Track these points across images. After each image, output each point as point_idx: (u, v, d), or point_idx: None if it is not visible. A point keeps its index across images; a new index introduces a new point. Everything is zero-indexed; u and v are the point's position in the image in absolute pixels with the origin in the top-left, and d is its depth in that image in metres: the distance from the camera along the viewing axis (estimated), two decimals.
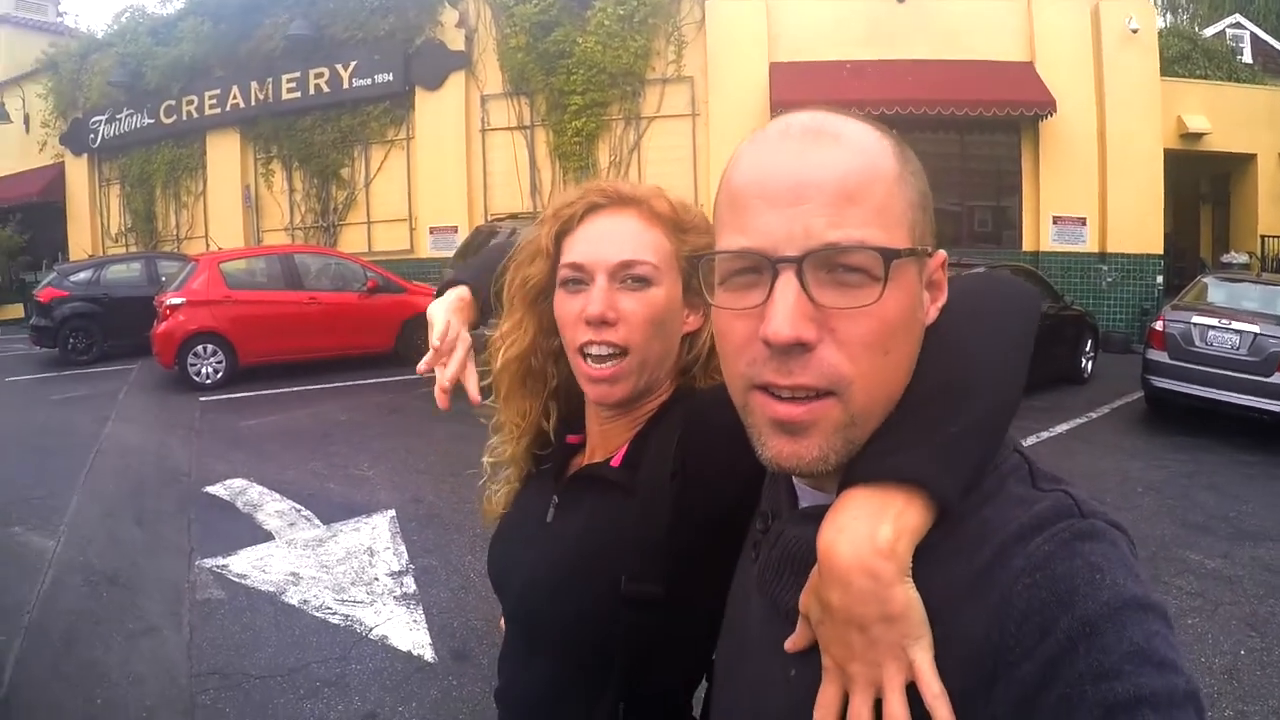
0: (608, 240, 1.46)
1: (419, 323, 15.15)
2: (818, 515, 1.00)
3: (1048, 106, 16.16)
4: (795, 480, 1.10)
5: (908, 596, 0.91)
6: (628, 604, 1.35)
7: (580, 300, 1.45)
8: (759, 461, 1.04)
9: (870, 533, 0.93)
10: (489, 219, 16.88)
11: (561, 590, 1.44)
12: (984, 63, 16.79)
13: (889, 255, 0.92)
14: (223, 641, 5.45)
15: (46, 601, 6.15)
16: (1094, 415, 11.45)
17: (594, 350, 1.45)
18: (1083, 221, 16.97)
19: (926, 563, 0.93)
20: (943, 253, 1.04)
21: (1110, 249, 16.97)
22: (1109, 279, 16.97)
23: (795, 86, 16.64)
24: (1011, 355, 1.06)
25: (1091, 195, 16.87)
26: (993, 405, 1.00)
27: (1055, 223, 17.03)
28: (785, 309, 0.93)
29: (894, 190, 0.97)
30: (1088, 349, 13.59)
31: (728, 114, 17.36)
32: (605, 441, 1.55)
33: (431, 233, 19.73)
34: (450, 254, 16.37)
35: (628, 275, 1.44)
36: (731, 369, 1.02)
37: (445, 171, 19.46)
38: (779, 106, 16.26)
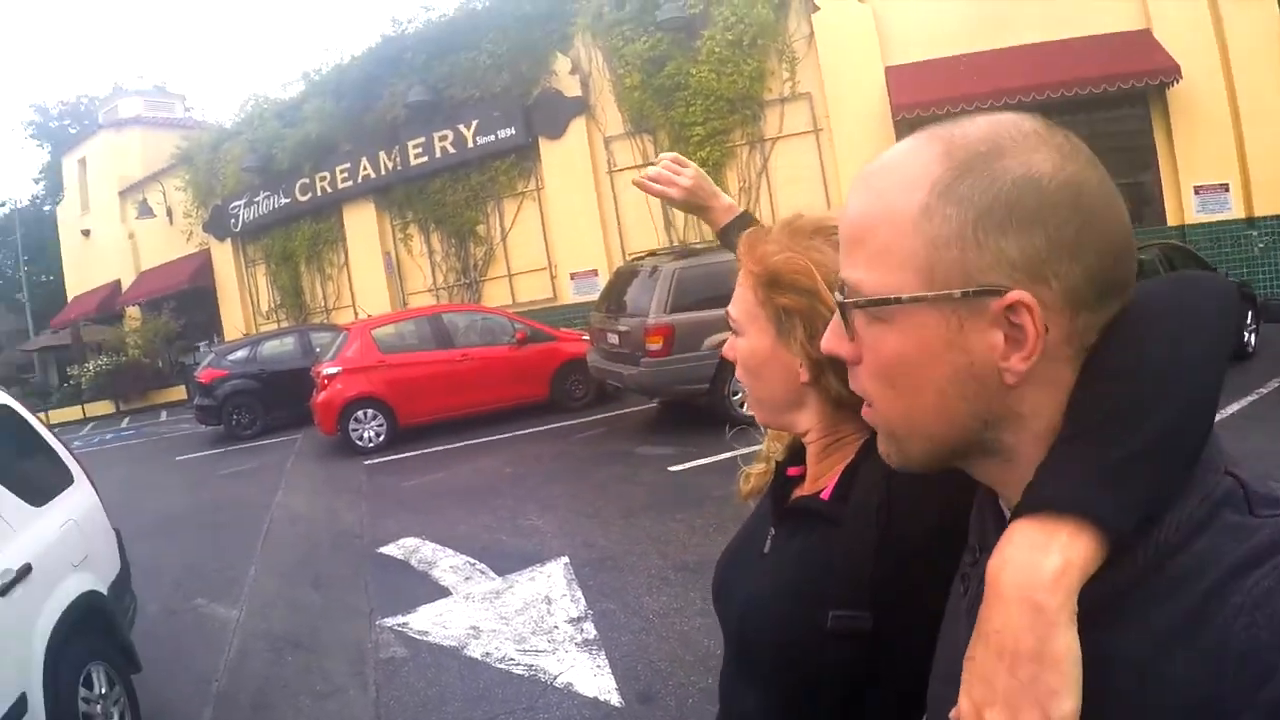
0: None
1: (571, 369, 15.65)
2: None
3: (1172, 73, 15.97)
4: (1004, 511, 1.08)
5: (1068, 644, 0.88)
6: (835, 637, 1.39)
7: None
8: (962, 494, 1.18)
9: (1034, 563, 0.91)
10: (628, 258, 17.48)
11: (772, 621, 1.49)
12: (1100, 37, 16.59)
13: (844, 306, 1.04)
14: (409, 699, 5.70)
15: (234, 669, 6.59)
16: (1264, 391, 11.11)
17: None
18: (1225, 188, 16.69)
19: (1132, 604, 0.90)
20: (1015, 294, 0.92)
21: (1257, 213, 16.69)
22: (1260, 245, 16.65)
23: (913, 88, 16.88)
24: (1198, 363, 0.97)
25: (1230, 159, 16.57)
26: (1172, 423, 0.93)
27: (1197, 193, 16.79)
28: (828, 328, 1.12)
29: (905, 230, 0.96)
30: (1248, 321, 13.15)
31: (850, 125, 17.70)
32: (816, 474, 1.60)
33: (572, 278, 20.48)
34: (594, 298, 16.91)
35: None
36: None
37: (578, 216, 20.21)
38: (900, 111, 16.69)
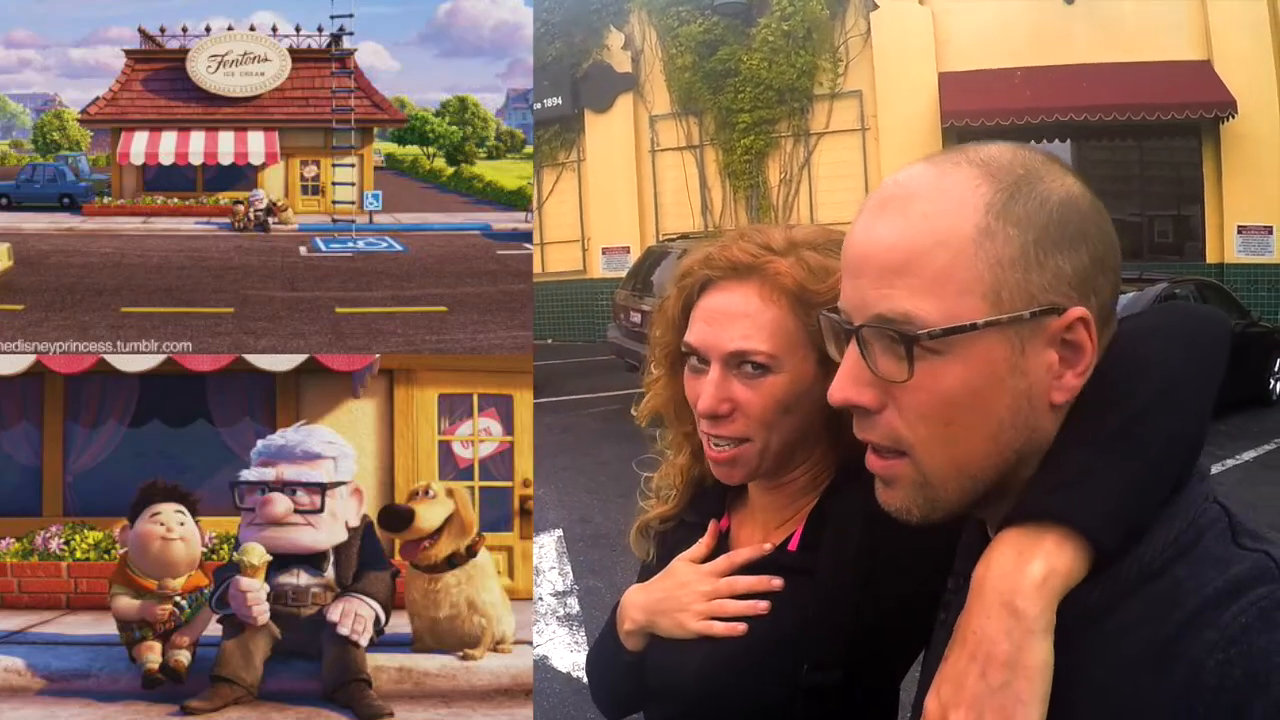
0: (722, 322, 1.45)
1: None
2: None
3: (1228, 108, 16.23)
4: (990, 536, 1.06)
5: (1042, 655, 0.91)
6: (807, 693, 1.39)
7: (699, 384, 1.46)
8: (949, 539, 1.17)
9: (1018, 569, 0.94)
10: (661, 239, 18.08)
11: (743, 681, 1.45)
12: (1158, 64, 16.84)
13: (908, 337, 0.95)
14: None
15: None
16: None
17: (713, 442, 1.48)
18: (1269, 230, 16.85)
19: (1109, 625, 0.92)
20: (1076, 310, 0.97)
21: None
22: None
23: (966, 96, 17.33)
24: (1189, 390, 1.03)
25: (1278, 202, 16.69)
26: (1162, 443, 0.98)
27: (1240, 232, 16.96)
28: (842, 373, 1.03)
29: (964, 254, 0.95)
30: (1276, 368, 13.53)
31: (897, 127, 18.15)
32: (768, 515, 1.57)
33: (604, 253, 21.18)
34: (623, 274, 17.22)
35: (744, 363, 1.42)
36: None
37: (616, 192, 20.95)
38: (949, 118, 17.14)
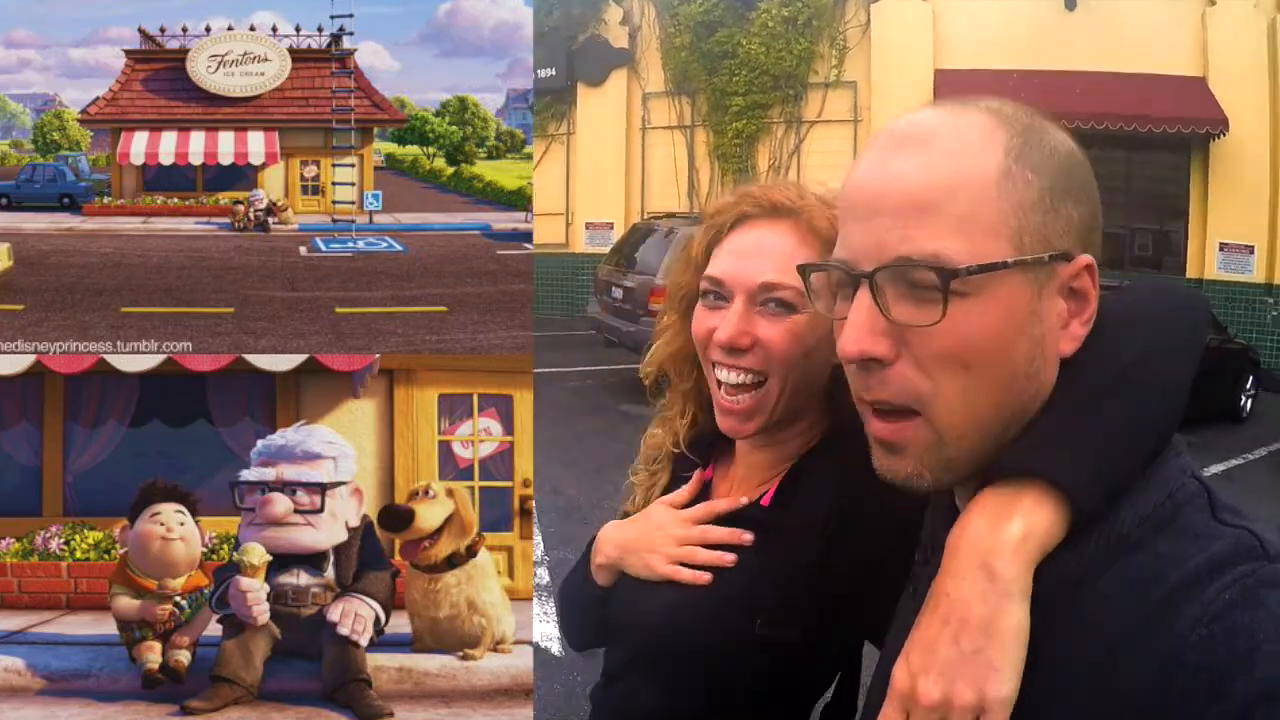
0: (753, 256, 1.45)
1: None
2: None
3: (1219, 125, 16.33)
4: (959, 508, 1.06)
5: (1018, 620, 0.89)
6: (761, 645, 1.40)
7: (716, 318, 1.46)
8: (917, 504, 1.16)
9: (993, 530, 0.93)
10: (646, 217, 18.05)
11: (699, 629, 1.46)
12: (1154, 76, 16.89)
13: (946, 275, 0.92)
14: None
15: None
16: (1251, 457, 11.47)
17: (726, 376, 1.45)
18: (1250, 250, 16.90)
19: (1087, 599, 0.91)
20: (1084, 257, 0.99)
21: (1278, 281, 17.02)
22: (1275, 312, 17.01)
23: (961, 95, 16.71)
24: (1167, 360, 1.03)
25: (1261, 222, 16.71)
26: (1140, 409, 0.98)
27: (1222, 250, 17.05)
28: (855, 324, 0.97)
29: (988, 195, 0.95)
30: (1248, 386, 13.67)
31: (891, 120, 17.76)
32: (751, 473, 1.58)
33: (588, 228, 21.09)
34: (606, 249, 17.30)
35: (769, 299, 1.43)
36: (849, 380, 1.06)
37: (604, 168, 20.81)
38: None
